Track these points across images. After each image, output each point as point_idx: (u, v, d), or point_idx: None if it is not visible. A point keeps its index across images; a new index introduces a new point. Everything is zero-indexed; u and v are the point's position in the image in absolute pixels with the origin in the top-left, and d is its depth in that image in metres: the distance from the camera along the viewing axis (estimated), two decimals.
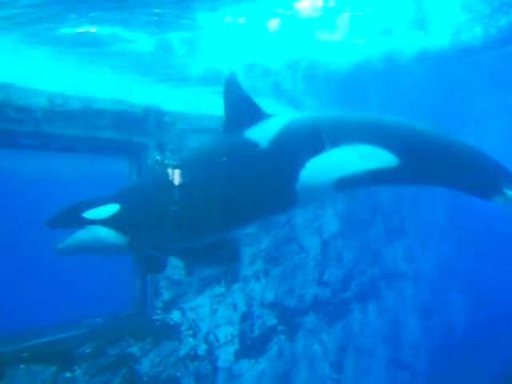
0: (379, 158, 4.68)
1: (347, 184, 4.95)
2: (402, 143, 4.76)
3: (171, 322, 7.71)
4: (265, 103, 5.12)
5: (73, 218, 5.12)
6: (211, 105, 8.22)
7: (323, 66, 8.92)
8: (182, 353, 7.81)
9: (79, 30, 6.53)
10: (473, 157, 4.90)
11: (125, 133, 7.33)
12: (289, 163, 4.79)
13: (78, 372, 6.38)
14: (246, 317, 8.96)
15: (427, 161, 4.82)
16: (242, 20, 6.92)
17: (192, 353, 7.97)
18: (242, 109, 4.96)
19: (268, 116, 5.00)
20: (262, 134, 4.80)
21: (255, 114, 4.96)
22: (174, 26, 6.80)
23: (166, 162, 5.25)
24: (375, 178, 4.87)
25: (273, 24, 7.08)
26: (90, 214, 5.10)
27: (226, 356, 8.47)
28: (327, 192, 5.43)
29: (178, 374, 7.69)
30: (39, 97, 6.49)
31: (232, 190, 4.88)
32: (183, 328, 7.87)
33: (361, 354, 12.19)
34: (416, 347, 14.19)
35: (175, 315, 7.81)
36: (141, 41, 7.13)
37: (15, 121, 6.28)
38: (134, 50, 7.34)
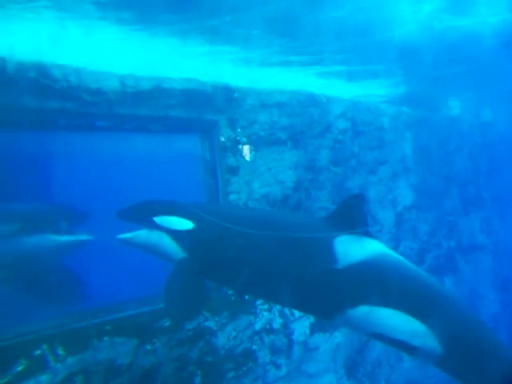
0: (427, 340, 4.64)
1: (383, 339, 5.00)
2: (453, 338, 4.69)
3: (246, 297, 7.80)
4: None
5: (144, 218, 5.27)
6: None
7: None
8: (257, 327, 7.90)
9: None
10: None
11: (195, 111, 7.41)
12: (344, 296, 4.84)
13: (157, 345, 6.57)
14: None
15: (470, 364, 4.74)
16: None
17: (267, 327, 8.05)
18: (353, 220, 4.95)
19: (366, 238, 5.01)
20: (346, 254, 4.82)
21: (359, 230, 4.95)
22: None
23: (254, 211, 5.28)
24: (411, 351, 4.89)
25: None
26: (162, 220, 5.22)
27: (301, 329, 8.50)
28: (361, 333, 5.54)
29: (254, 347, 7.80)
30: (111, 79, 6.63)
31: (291, 275, 4.95)
32: (258, 302, 7.94)
33: None
34: (495, 322, 13.80)
35: None
36: None
37: (89, 103, 6.45)
38: None
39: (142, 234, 5.26)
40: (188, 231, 5.15)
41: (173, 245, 5.15)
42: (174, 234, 5.15)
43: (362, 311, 4.72)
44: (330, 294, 4.86)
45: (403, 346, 4.87)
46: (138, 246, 5.38)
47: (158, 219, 5.22)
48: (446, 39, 7.86)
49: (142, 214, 5.30)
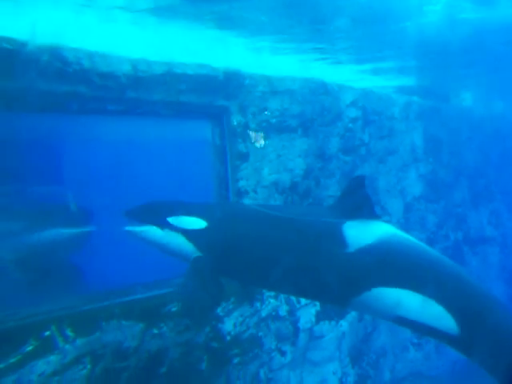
0: (443, 320, 4.65)
1: (399, 322, 5.01)
2: (470, 318, 4.69)
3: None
4: None
5: (155, 218, 5.25)
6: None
7: None
8: (263, 313, 7.93)
9: None
10: None
11: (207, 96, 7.39)
12: (359, 280, 4.86)
13: (164, 329, 6.61)
14: None
15: (487, 345, 4.69)
16: None
17: (274, 314, 8.08)
18: (356, 204, 5.00)
19: (376, 220, 5.06)
20: (355, 238, 4.84)
21: (366, 214, 4.98)
22: None
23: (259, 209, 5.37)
24: (428, 332, 4.95)
25: None
26: (174, 219, 5.22)
27: (306, 317, 8.54)
28: (379, 317, 5.53)
29: (260, 333, 7.83)
30: (123, 63, 6.60)
31: (303, 262, 5.00)
32: (265, 289, 7.97)
33: None
34: None
35: None
36: None
37: (101, 87, 6.43)
38: None
39: (154, 231, 5.25)
40: (202, 230, 5.18)
41: (186, 244, 5.18)
42: (188, 233, 5.17)
43: (378, 293, 4.75)
44: (346, 279, 4.88)
45: (419, 327, 4.89)
46: (147, 242, 5.37)
47: (170, 219, 5.23)
48: (463, 31, 7.81)
49: (154, 215, 5.30)
